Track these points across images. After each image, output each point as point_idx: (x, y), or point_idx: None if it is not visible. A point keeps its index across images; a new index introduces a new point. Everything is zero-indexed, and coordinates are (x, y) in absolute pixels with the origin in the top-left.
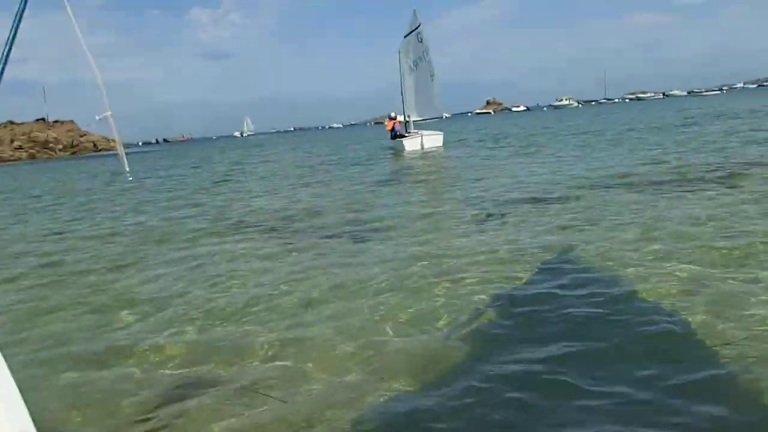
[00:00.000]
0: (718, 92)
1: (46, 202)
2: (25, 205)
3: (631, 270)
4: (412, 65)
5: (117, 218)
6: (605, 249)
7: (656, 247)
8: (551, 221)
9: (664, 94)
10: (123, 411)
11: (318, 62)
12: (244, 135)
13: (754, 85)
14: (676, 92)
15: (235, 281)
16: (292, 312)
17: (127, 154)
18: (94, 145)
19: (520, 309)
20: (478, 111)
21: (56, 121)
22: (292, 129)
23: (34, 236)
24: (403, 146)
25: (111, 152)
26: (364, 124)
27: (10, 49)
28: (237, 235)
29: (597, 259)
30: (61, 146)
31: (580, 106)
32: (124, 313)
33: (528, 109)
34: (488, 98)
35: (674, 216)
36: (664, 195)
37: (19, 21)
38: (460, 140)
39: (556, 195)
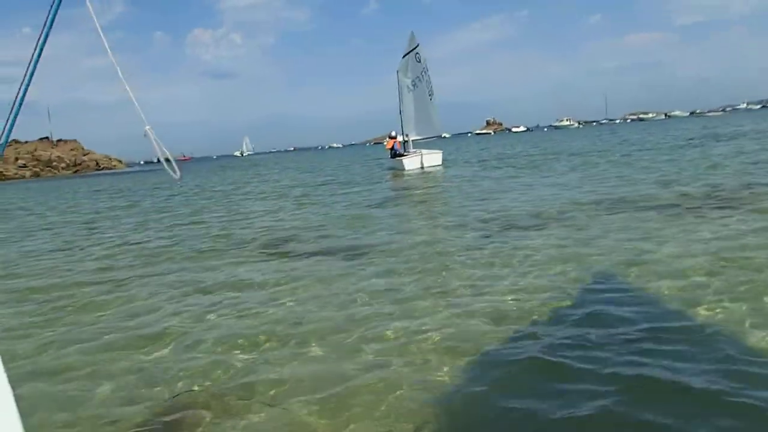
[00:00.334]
0: (721, 113)
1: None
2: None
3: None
4: (410, 85)
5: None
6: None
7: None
8: (552, 242)
9: (665, 114)
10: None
11: (317, 83)
12: (244, 155)
13: (758, 106)
14: (677, 113)
15: (231, 302)
16: (292, 339)
17: (128, 173)
18: (97, 164)
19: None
20: (477, 131)
21: (60, 140)
22: (292, 149)
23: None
24: (402, 165)
25: (116, 170)
26: (364, 144)
27: (34, 69)
28: (237, 255)
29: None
30: (64, 164)
31: (581, 126)
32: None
33: (528, 129)
34: (488, 118)
35: (696, 241)
36: (674, 219)
37: (44, 43)
38: (459, 160)
39: (557, 216)
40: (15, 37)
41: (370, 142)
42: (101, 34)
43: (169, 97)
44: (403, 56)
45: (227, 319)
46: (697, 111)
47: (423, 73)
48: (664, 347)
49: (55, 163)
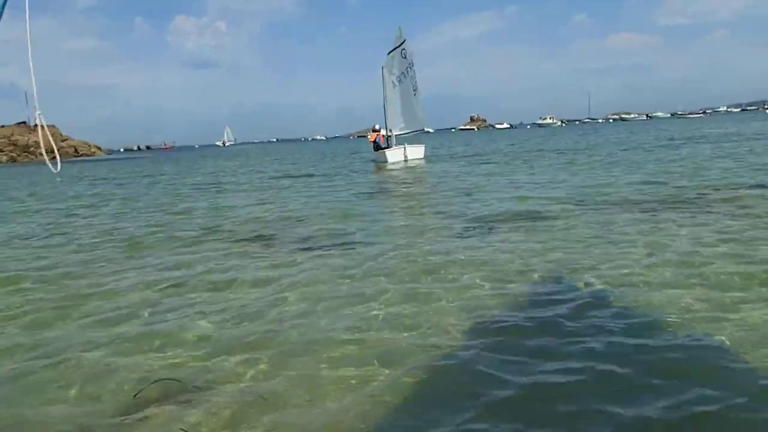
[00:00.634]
0: (702, 115)
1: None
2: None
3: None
4: (395, 80)
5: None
6: (586, 268)
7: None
8: (530, 239)
9: (647, 115)
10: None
11: (302, 74)
12: (226, 144)
13: (738, 109)
14: (659, 114)
15: (215, 288)
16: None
17: (108, 160)
18: (75, 150)
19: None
20: (461, 127)
21: (38, 125)
22: (275, 140)
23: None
24: (385, 158)
25: (95, 157)
26: (347, 137)
27: None
28: (219, 243)
29: (566, 274)
30: (41, 150)
31: (564, 125)
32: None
33: (512, 126)
34: (472, 114)
35: (671, 238)
36: (658, 216)
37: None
38: (442, 155)
39: (541, 214)
40: None
41: (353, 135)
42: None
43: (151, 84)
44: (389, 52)
45: (202, 313)
46: (679, 112)
47: (408, 69)
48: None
49: (32, 149)
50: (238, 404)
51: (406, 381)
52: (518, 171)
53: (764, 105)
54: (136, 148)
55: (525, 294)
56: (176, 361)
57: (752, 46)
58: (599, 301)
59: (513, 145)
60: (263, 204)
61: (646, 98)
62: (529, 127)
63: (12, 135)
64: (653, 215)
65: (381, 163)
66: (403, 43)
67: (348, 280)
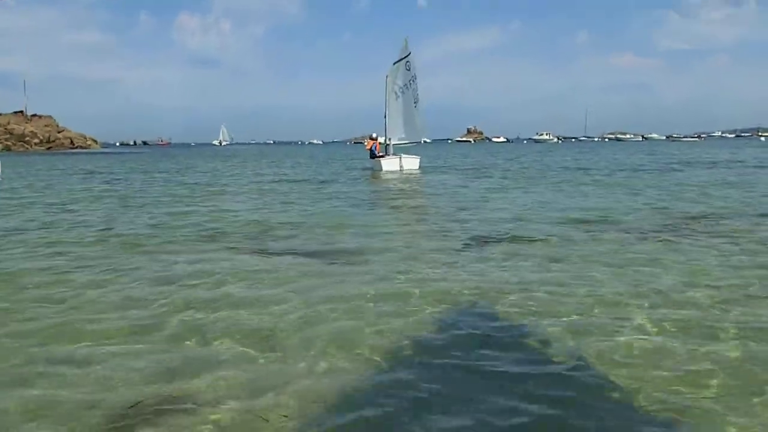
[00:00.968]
0: (697, 139)
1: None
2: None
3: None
4: (398, 91)
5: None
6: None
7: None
8: (525, 263)
9: (643, 136)
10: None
11: (302, 78)
12: (222, 144)
13: (732, 135)
14: (654, 136)
15: (203, 298)
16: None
17: (104, 153)
18: (71, 142)
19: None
20: (458, 139)
21: (34, 115)
22: (272, 142)
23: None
24: (381, 166)
25: (90, 150)
26: (344, 142)
27: None
28: (213, 249)
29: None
30: (37, 140)
31: (560, 141)
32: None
33: (508, 140)
34: (469, 126)
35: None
36: (652, 241)
37: None
38: (438, 166)
39: (532, 234)
40: None
41: (350, 141)
42: None
43: (151, 80)
44: (395, 63)
45: (196, 317)
46: (674, 135)
47: (411, 81)
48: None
49: (27, 138)
50: (231, 422)
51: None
52: (515, 188)
53: (758, 131)
54: (132, 142)
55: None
56: (166, 374)
57: (748, 72)
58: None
59: (511, 160)
60: (260, 209)
61: (642, 118)
62: (525, 141)
63: (8, 123)
64: (662, 242)
65: (376, 171)
66: (408, 55)
67: (341, 301)
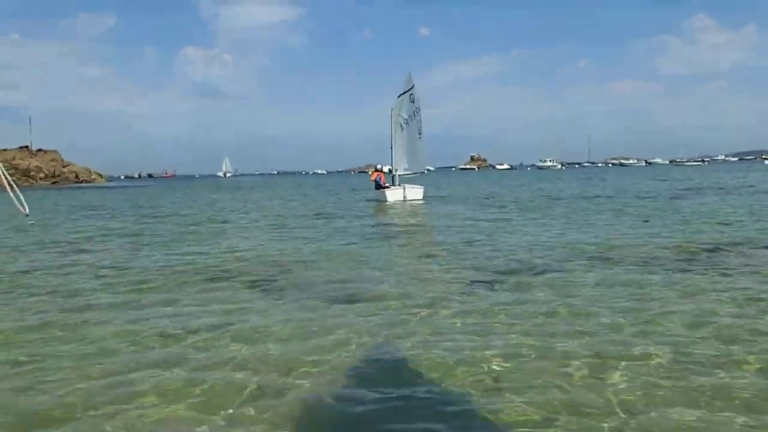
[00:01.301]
0: (700, 163)
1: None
2: None
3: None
4: (403, 123)
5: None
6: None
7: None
8: (541, 301)
9: (646, 161)
10: None
11: (304, 107)
12: (227, 176)
13: (735, 158)
14: (658, 160)
15: (212, 338)
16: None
17: (109, 188)
18: (76, 176)
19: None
20: (461, 166)
21: (40, 150)
22: (276, 172)
23: None
24: (385, 197)
25: (95, 184)
26: (348, 172)
27: None
28: (222, 286)
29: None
30: (42, 175)
31: (564, 168)
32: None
33: (512, 167)
34: (472, 154)
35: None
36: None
37: None
38: (442, 196)
39: (551, 269)
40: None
41: (354, 170)
42: None
43: (155, 112)
44: (399, 95)
45: (206, 358)
46: (677, 159)
47: (415, 113)
48: None
49: (33, 173)
50: None
51: None
52: (523, 218)
53: (762, 155)
54: (137, 175)
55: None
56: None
57: (749, 96)
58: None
59: (522, 186)
60: (270, 244)
61: (644, 143)
62: (529, 168)
63: (14, 159)
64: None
65: (381, 202)
66: (411, 88)
67: (355, 338)
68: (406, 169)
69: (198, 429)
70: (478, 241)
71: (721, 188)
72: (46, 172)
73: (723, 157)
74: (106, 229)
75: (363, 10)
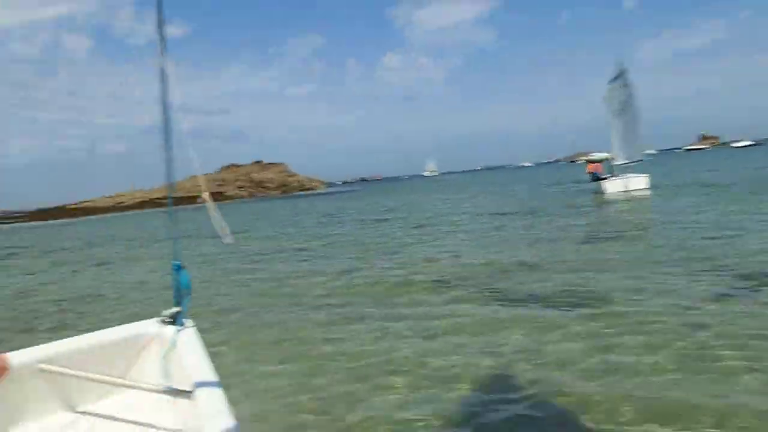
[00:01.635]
0: None
1: None
2: None
3: None
4: (616, 111)
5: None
6: None
7: None
8: None
9: None
10: None
11: (503, 101)
12: (432, 174)
13: None
14: None
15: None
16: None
17: (330, 194)
18: (301, 184)
19: None
20: (688, 147)
21: (270, 163)
22: (479, 168)
23: None
24: (604, 188)
25: (315, 191)
26: (555, 162)
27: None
28: (446, 292)
29: None
30: (273, 185)
31: None
32: None
33: (756, 143)
34: (702, 131)
35: None
36: None
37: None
38: (678, 185)
39: None
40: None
41: (561, 160)
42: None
43: (361, 121)
44: (609, 82)
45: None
46: None
47: (629, 99)
48: None
49: (266, 184)
50: None
51: None
52: None
53: None
54: (351, 180)
55: None
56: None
57: None
58: None
59: None
60: (490, 248)
61: None
62: None
63: (249, 173)
64: None
65: (600, 195)
66: (622, 73)
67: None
68: (623, 158)
69: None
70: (722, 252)
71: None
72: (277, 182)
73: None
74: (335, 235)
75: None
